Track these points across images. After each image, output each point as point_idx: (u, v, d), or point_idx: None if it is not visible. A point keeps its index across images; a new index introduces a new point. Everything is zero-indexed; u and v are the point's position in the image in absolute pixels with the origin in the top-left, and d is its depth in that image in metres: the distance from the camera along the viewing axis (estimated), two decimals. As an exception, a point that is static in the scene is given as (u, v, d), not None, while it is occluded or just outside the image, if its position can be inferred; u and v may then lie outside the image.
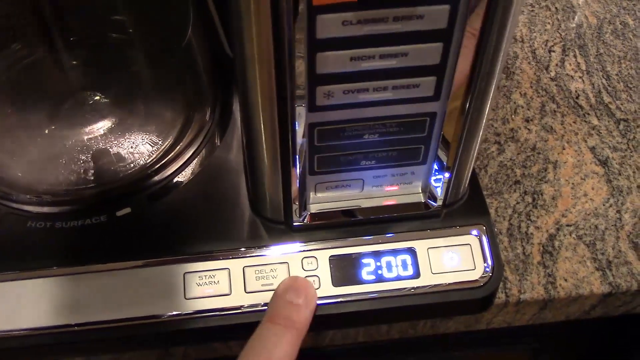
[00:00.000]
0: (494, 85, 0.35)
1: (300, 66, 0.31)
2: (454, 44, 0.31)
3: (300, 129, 0.35)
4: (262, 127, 0.35)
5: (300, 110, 0.34)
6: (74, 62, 0.43)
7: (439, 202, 0.41)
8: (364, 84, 0.33)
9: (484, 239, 0.41)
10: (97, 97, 0.44)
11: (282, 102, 0.33)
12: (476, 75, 0.33)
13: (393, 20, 0.30)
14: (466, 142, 0.37)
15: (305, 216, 0.40)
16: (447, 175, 0.39)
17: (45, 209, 0.42)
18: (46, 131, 0.44)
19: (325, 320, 0.39)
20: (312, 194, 0.40)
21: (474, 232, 0.41)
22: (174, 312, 0.39)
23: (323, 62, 0.31)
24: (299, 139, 0.36)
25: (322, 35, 0.30)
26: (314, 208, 0.41)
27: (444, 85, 0.34)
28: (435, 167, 0.39)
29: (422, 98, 0.34)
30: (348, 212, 0.41)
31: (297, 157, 0.36)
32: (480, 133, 0.38)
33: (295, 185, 0.38)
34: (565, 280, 0.44)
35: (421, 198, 0.41)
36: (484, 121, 0.37)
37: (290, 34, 0.29)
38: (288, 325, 0.35)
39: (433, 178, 0.40)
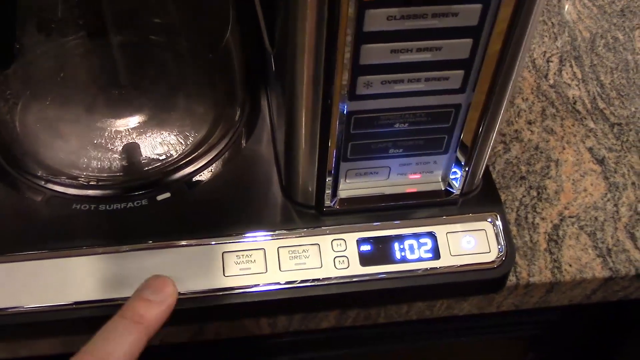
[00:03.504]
0: (512, 80, 0.38)
1: (345, 57, 0.35)
2: (482, 40, 0.35)
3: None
4: (304, 115, 0.38)
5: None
6: (124, 57, 0.46)
7: (457, 191, 0.45)
8: (401, 75, 0.36)
9: (498, 224, 0.45)
10: (139, 90, 0.47)
11: (327, 90, 0.36)
12: (499, 69, 0.37)
13: (432, 17, 0.33)
14: (485, 133, 0.41)
15: (336, 201, 0.44)
16: (464, 165, 0.43)
17: (90, 192, 0.44)
18: (90, 120, 0.47)
19: (356, 297, 0.43)
20: (342, 180, 0.43)
21: (489, 218, 0.45)
22: (214, 288, 0.41)
23: (366, 53, 0.35)
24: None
25: (368, 28, 0.33)
26: (343, 194, 0.44)
27: (470, 78, 0.37)
28: (455, 157, 0.43)
29: (450, 90, 0.38)
30: (374, 198, 0.44)
31: (337, 144, 0.39)
32: (497, 125, 0.41)
33: (330, 171, 0.41)
34: (570, 265, 0.47)
35: (441, 186, 0.45)
36: (502, 115, 0.41)
37: (342, 27, 0.33)
38: (136, 320, 0.36)
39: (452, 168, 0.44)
